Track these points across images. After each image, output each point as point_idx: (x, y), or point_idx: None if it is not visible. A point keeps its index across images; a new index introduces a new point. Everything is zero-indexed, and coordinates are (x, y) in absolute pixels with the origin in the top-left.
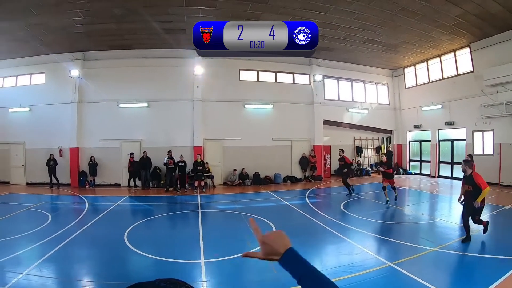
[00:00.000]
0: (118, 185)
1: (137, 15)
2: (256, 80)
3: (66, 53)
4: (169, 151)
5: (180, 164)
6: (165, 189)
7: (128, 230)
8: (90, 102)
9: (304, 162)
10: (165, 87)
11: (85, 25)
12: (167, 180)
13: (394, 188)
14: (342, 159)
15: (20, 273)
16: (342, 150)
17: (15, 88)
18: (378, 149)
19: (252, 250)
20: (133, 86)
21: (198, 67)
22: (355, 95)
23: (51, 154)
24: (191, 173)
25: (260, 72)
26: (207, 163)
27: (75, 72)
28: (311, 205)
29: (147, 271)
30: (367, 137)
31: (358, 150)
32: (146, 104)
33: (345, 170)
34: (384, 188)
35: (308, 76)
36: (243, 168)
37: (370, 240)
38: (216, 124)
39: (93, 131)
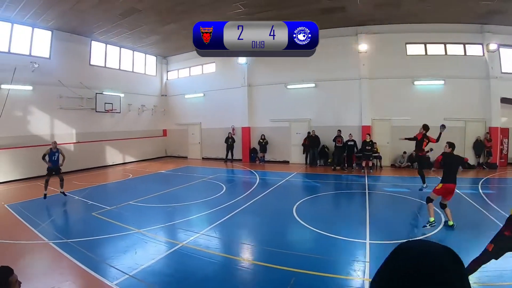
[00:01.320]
0: (287, 162)
1: (293, 1)
2: (424, 53)
3: None
4: (339, 130)
5: (349, 143)
6: (333, 167)
7: (296, 204)
8: (259, 85)
9: (479, 147)
10: (331, 67)
11: (248, 16)
12: (334, 158)
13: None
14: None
15: (197, 233)
16: (424, 127)
17: (189, 77)
18: None
19: None
20: (299, 68)
21: (363, 45)
22: None
23: (229, 133)
24: (359, 152)
25: (427, 45)
26: (375, 143)
27: (242, 59)
28: (483, 196)
29: (311, 243)
30: None
31: None
32: (313, 85)
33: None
34: (430, 200)
35: (481, 46)
36: (414, 150)
37: None
38: (384, 103)
39: (263, 111)
